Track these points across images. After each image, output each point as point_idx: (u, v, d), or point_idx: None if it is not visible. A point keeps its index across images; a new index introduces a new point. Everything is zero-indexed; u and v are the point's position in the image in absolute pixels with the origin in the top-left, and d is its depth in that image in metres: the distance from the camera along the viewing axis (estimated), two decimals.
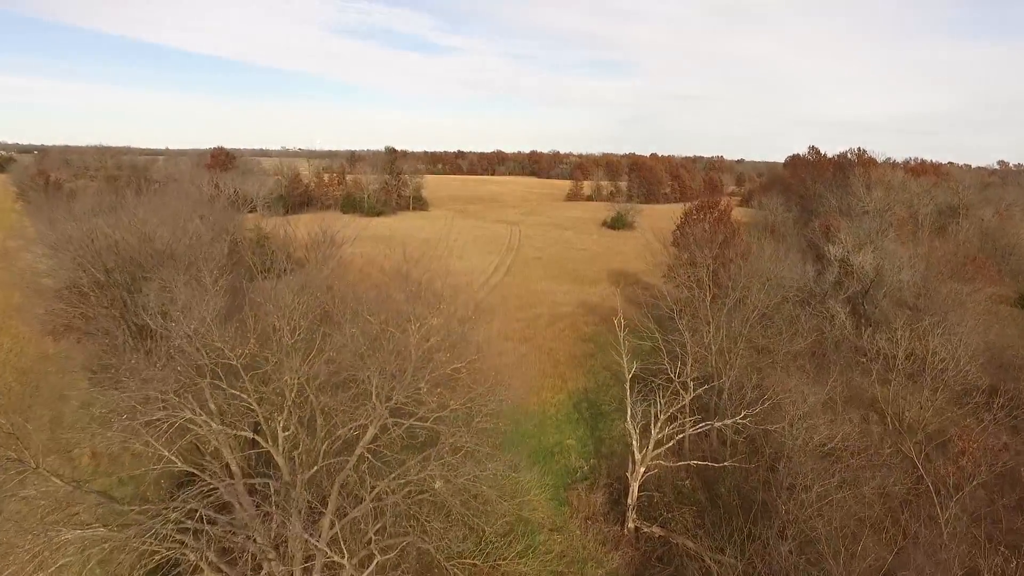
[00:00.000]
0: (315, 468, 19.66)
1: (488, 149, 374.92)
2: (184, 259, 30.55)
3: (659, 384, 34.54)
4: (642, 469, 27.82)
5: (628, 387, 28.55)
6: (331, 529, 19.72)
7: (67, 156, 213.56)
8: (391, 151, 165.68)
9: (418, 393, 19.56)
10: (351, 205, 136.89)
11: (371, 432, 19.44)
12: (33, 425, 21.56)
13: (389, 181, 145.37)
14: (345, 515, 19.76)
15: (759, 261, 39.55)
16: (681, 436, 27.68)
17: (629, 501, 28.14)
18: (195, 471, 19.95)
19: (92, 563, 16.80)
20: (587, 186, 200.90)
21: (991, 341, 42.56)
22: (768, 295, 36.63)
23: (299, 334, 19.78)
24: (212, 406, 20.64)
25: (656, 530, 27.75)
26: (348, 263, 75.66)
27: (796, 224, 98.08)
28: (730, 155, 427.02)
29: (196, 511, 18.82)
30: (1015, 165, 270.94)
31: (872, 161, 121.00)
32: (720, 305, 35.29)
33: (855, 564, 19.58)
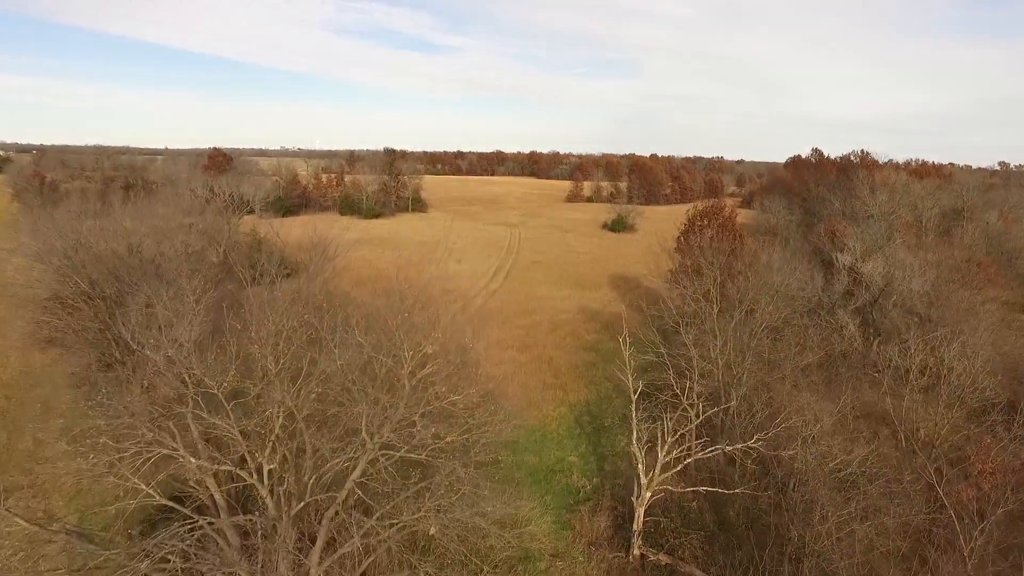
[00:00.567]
0: (302, 504, 18.40)
1: (488, 149, 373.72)
2: (170, 272, 29.25)
3: (665, 401, 33.36)
4: (648, 494, 26.57)
5: (633, 408, 27.26)
6: (319, 567, 18.50)
7: (64, 157, 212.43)
8: (390, 152, 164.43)
9: (411, 427, 18.30)
10: (349, 207, 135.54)
11: (361, 466, 18.19)
12: (9, 454, 20.26)
13: (388, 182, 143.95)
14: (335, 552, 18.54)
15: (768, 272, 38.26)
16: (689, 460, 26.36)
17: (635, 527, 26.88)
18: (175, 505, 18.69)
19: None
20: (587, 187, 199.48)
21: (1006, 352, 41.27)
22: (777, 307, 35.37)
23: (283, 362, 18.54)
24: (196, 432, 19.42)
25: (663, 558, 26.51)
26: (344, 268, 74.43)
27: (799, 227, 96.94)
28: (730, 155, 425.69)
29: (176, 547, 17.59)
30: (1016, 166, 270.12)
31: (875, 163, 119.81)
32: (728, 318, 34.02)
33: None
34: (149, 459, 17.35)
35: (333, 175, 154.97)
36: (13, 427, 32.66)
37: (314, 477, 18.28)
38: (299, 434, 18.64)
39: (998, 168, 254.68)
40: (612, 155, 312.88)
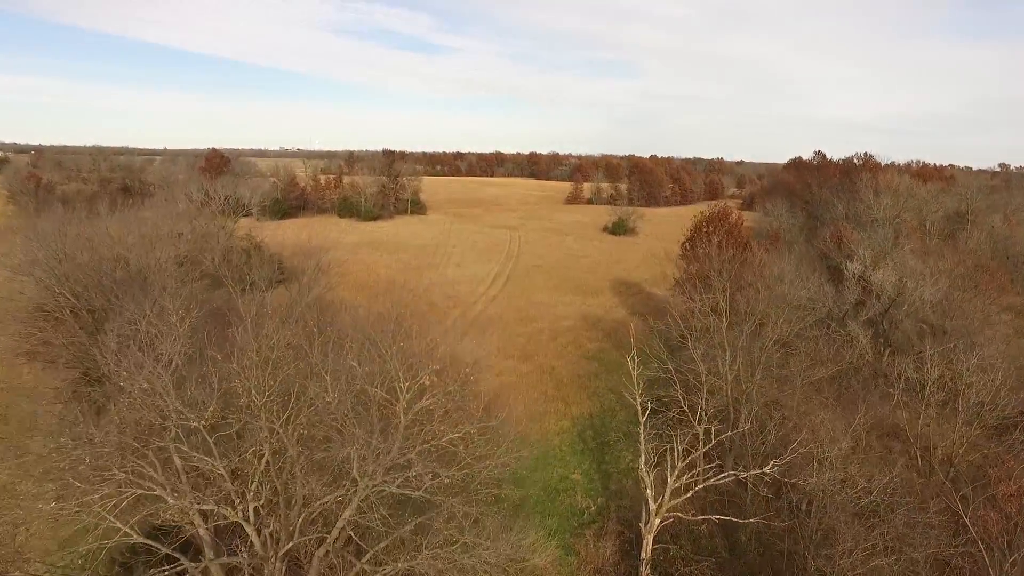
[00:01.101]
0: (291, 543, 17.11)
1: (487, 150, 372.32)
2: (156, 285, 27.85)
3: (673, 417, 32.05)
4: (657, 520, 25.30)
5: (642, 430, 25.96)
6: None
7: (61, 158, 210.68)
8: (389, 153, 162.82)
9: (407, 467, 17.00)
10: (348, 209, 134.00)
11: (353, 505, 16.91)
12: None
13: (387, 184, 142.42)
14: None
15: (779, 284, 36.96)
16: (700, 487, 25.06)
17: (643, 555, 25.62)
18: (155, 545, 17.39)
19: None
20: (587, 188, 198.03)
21: (1022, 364, 39.95)
22: (788, 320, 34.09)
23: (269, 393, 17.21)
24: (179, 463, 18.12)
25: None
26: (342, 274, 73.12)
27: (803, 231, 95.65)
28: (730, 156, 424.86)
29: None
30: (1016, 167, 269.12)
31: (879, 166, 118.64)
32: (738, 332, 32.73)
33: None
34: (124, 499, 16.05)
35: (332, 176, 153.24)
36: None
37: (303, 515, 17.00)
38: (287, 469, 17.36)
39: (998, 169, 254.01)
40: (611, 156, 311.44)
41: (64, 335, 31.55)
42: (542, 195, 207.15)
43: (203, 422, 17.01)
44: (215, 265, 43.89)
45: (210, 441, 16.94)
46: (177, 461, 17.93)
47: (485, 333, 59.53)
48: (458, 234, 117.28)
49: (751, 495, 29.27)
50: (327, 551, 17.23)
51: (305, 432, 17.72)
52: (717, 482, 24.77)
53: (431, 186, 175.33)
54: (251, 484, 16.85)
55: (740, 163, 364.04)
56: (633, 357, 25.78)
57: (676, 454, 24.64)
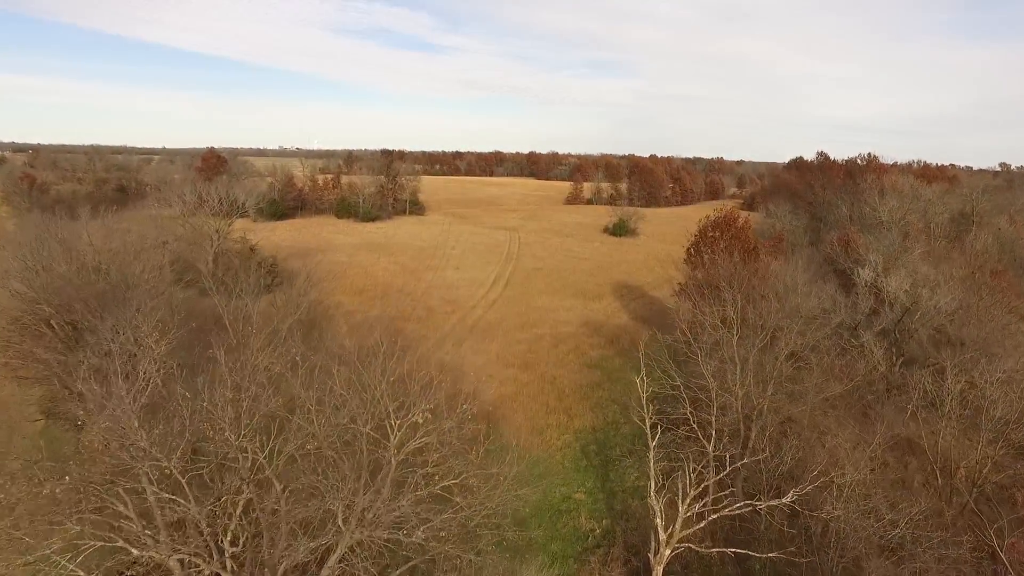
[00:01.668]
0: None
1: (486, 149, 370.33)
2: (133, 302, 26.29)
3: (682, 435, 30.56)
4: (667, 551, 23.80)
5: (651, 456, 24.43)
6: None
7: (57, 157, 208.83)
8: (387, 153, 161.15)
9: (399, 519, 15.50)
10: (346, 210, 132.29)
11: (338, 554, 15.42)
12: None
13: (385, 184, 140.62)
14: None
15: (792, 295, 35.41)
16: (714, 516, 23.56)
17: None
18: None
19: None
20: (587, 188, 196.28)
21: None
22: (802, 333, 32.57)
23: (244, 434, 15.68)
24: (156, 507, 16.55)
25: None
26: (339, 277, 71.52)
27: (807, 232, 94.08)
28: (730, 156, 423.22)
29: None
30: (1017, 167, 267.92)
31: (883, 167, 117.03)
32: (749, 345, 31.21)
33: None
34: (84, 551, 14.53)
35: (330, 176, 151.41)
36: None
37: (285, 563, 15.49)
38: (267, 515, 15.86)
39: (999, 170, 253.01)
40: (611, 156, 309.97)
41: (43, 349, 30.00)
42: (542, 195, 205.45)
43: (173, 464, 15.47)
44: (205, 271, 42.25)
45: (183, 482, 15.42)
46: (153, 504, 16.38)
47: (485, 340, 58.05)
48: (457, 235, 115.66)
49: (765, 522, 27.75)
50: None
51: (287, 474, 16.19)
52: (733, 512, 23.23)
53: (430, 186, 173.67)
54: (227, 531, 15.33)
55: (740, 163, 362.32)
56: (643, 379, 24.24)
57: (688, 480, 23.14)
